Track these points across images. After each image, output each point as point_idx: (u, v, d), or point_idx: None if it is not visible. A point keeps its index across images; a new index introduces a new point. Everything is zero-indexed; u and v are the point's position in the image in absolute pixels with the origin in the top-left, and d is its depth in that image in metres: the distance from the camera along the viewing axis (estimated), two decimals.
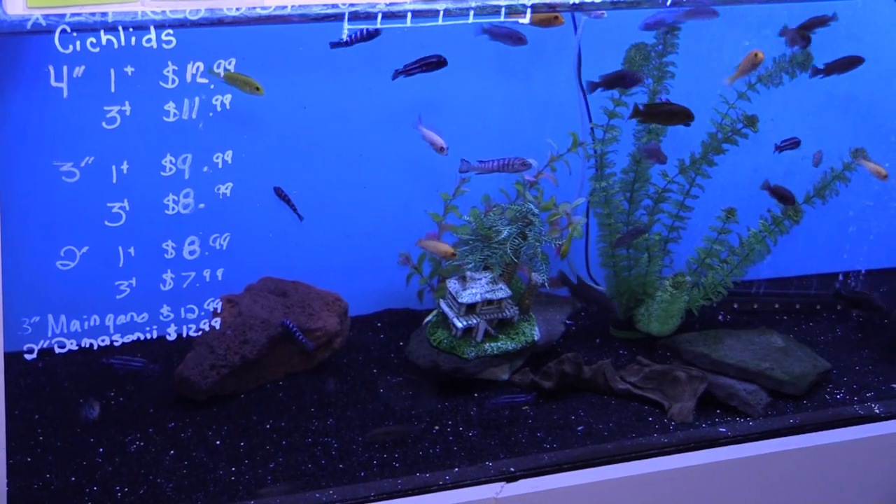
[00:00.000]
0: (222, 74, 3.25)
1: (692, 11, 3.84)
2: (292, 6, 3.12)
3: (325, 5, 3.16)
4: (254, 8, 3.07)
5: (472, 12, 3.32)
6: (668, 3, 3.56)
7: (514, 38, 3.73)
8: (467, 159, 3.86)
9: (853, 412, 4.09)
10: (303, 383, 4.06)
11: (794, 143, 4.21)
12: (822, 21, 4.09)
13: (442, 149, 3.75)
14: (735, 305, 4.71)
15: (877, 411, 4.08)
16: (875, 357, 4.47)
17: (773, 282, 4.87)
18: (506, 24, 3.58)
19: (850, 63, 4.15)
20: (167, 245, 3.45)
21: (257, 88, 3.43)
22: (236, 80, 3.37)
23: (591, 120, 4.30)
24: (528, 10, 3.38)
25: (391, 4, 3.22)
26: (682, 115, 4.06)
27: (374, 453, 3.71)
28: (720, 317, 4.67)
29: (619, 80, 3.98)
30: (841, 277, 4.90)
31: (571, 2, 3.45)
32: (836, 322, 4.72)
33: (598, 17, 3.77)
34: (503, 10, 3.35)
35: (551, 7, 3.46)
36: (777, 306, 4.77)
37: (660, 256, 4.42)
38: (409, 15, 3.27)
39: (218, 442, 3.72)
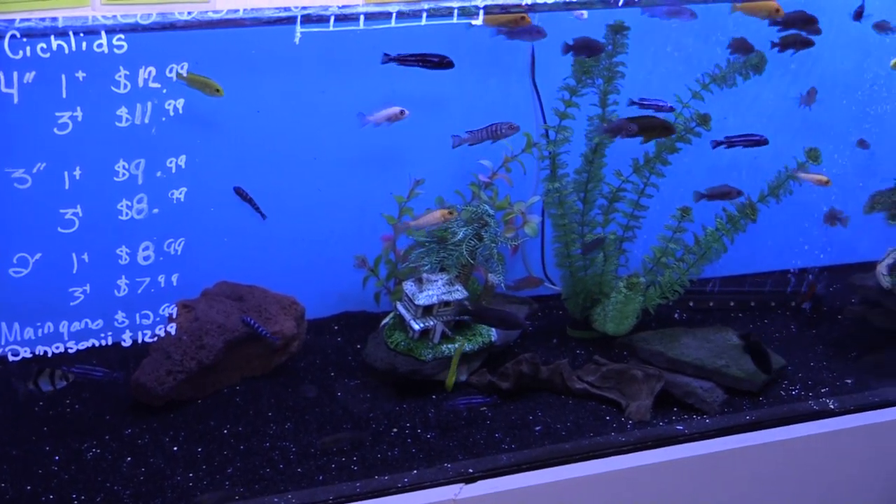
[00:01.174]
0: (185, 76, 3.24)
1: (673, 11, 3.87)
2: (244, 10, 3.12)
3: (277, 8, 3.16)
4: (205, 12, 3.06)
5: (424, 14, 3.32)
6: (620, 4, 3.57)
7: (531, 33, 3.78)
8: (457, 134, 3.86)
9: (808, 408, 4.11)
10: (260, 387, 4.04)
11: (755, 141, 4.23)
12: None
13: (402, 112, 3.72)
14: (691, 304, 4.73)
15: (831, 407, 4.11)
16: (829, 353, 4.51)
17: (729, 280, 4.89)
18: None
19: (804, 42, 4.18)
20: (121, 251, 3.43)
21: (217, 90, 3.43)
22: (197, 81, 3.37)
23: (545, 121, 4.31)
24: (481, 12, 3.38)
25: (343, 7, 3.22)
26: (661, 129, 4.08)
27: (333, 456, 3.70)
28: (676, 315, 4.69)
29: (587, 47, 3.98)
30: (794, 275, 4.93)
31: (524, 3, 3.46)
32: (790, 319, 4.76)
33: (580, 18, 3.79)
34: (455, 11, 3.36)
35: (504, 9, 3.47)
36: (732, 304, 4.80)
37: (615, 256, 4.44)
38: (362, 18, 3.26)
39: (175, 448, 3.70)
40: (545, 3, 3.49)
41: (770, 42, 4.14)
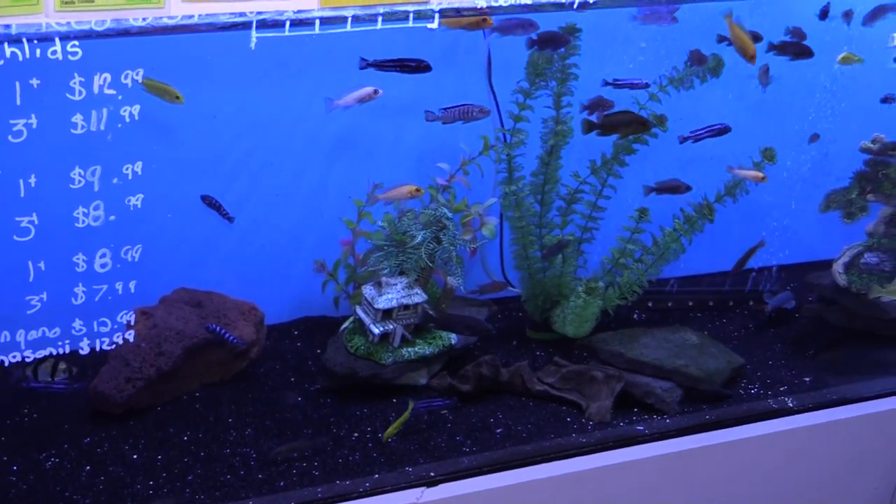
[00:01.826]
0: (145, 82, 3.24)
1: (650, 15, 3.90)
2: (199, 15, 3.11)
3: (232, 14, 3.15)
4: (160, 18, 3.05)
5: (380, 18, 3.32)
6: (575, 6, 3.58)
7: (525, 26, 3.84)
8: (431, 110, 3.86)
9: (767, 406, 4.14)
10: (220, 394, 4.03)
11: (718, 131, 4.26)
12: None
13: (375, 91, 3.71)
14: (650, 304, 4.75)
15: (790, 405, 4.14)
16: (787, 351, 4.54)
17: (687, 279, 4.92)
18: (514, 16, 3.72)
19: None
20: (78, 258, 3.42)
21: (177, 97, 3.42)
22: (156, 88, 3.36)
23: (502, 123, 4.31)
24: (437, 16, 3.39)
25: (299, 12, 3.21)
26: (637, 124, 4.10)
27: (294, 462, 3.69)
28: (635, 315, 4.71)
29: (552, 41, 3.98)
30: (753, 274, 4.96)
31: (479, 6, 3.47)
32: (748, 318, 4.78)
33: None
34: (411, 15, 3.36)
35: (458, 11, 3.47)
36: (691, 304, 4.82)
37: (574, 257, 4.45)
38: (318, 22, 3.26)
39: (135, 456, 3.68)
40: (500, 7, 3.49)
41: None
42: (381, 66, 3.67)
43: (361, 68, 3.64)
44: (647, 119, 4.13)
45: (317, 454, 3.73)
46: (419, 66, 3.71)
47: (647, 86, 4.16)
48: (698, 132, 4.23)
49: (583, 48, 4.14)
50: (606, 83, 4.10)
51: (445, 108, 3.86)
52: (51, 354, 3.52)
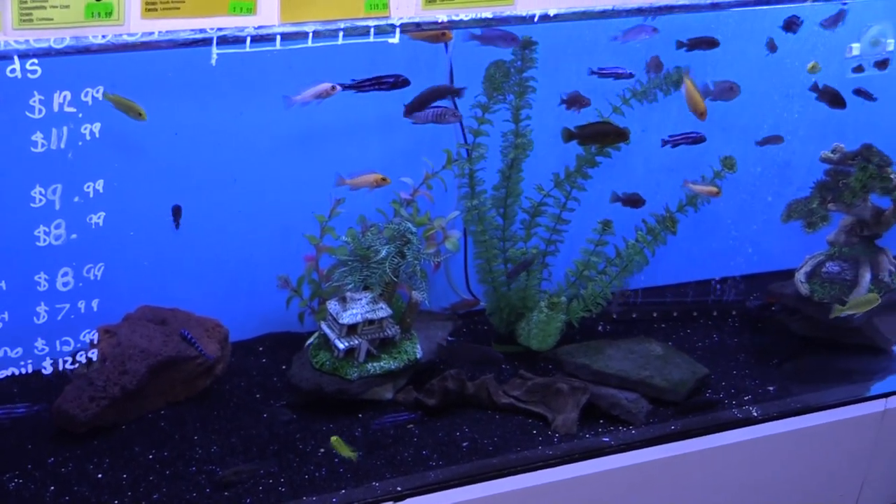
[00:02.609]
0: (112, 98, 3.23)
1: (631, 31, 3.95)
2: (160, 32, 3.10)
3: (192, 30, 3.14)
4: (120, 35, 3.04)
5: (341, 33, 3.33)
6: (536, 20, 3.59)
7: (507, 39, 3.88)
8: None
9: (732, 416, 4.15)
10: (185, 412, 4.01)
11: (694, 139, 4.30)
12: (709, 42, 4.19)
13: (333, 87, 3.69)
14: (614, 315, 4.76)
15: (754, 414, 4.16)
16: (751, 361, 4.56)
17: (651, 290, 4.93)
18: (496, 28, 3.76)
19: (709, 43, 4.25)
20: (39, 277, 3.40)
21: (140, 114, 3.42)
22: (122, 104, 3.35)
23: (465, 138, 4.32)
24: (397, 30, 3.40)
25: (260, 28, 3.21)
26: (615, 135, 4.12)
27: (260, 479, 3.68)
28: (600, 327, 4.72)
29: (500, 38, 3.99)
30: (715, 284, 4.98)
31: (440, 20, 3.47)
32: (712, 328, 4.80)
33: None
34: (372, 30, 3.36)
35: (418, 25, 3.48)
36: (655, 315, 4.83)
37: (538, 270, 4.46)
38: (279, 38, 3.26)
39: (100, 475, 3.66)
40: (461, 21, 3.50)
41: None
42: (360, 87, 3.69)
43: (343, 89, 3.65)
44: (626, 130, 4.15)
45: (284, 471, 3.72)
46: (397, 82, 3.73)
47: (631, 75, 4.19)
48: (676, 137, 4.25)
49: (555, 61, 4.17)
50: (592, 72, 4.14)
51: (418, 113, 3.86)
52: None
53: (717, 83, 4.27)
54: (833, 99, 4.36)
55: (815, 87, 4.38)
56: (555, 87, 4.23)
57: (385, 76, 3.73)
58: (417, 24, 3.47)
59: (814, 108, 4.66)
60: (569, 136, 4.16)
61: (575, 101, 4.12)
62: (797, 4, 4.14)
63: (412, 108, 3.90)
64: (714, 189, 4.35)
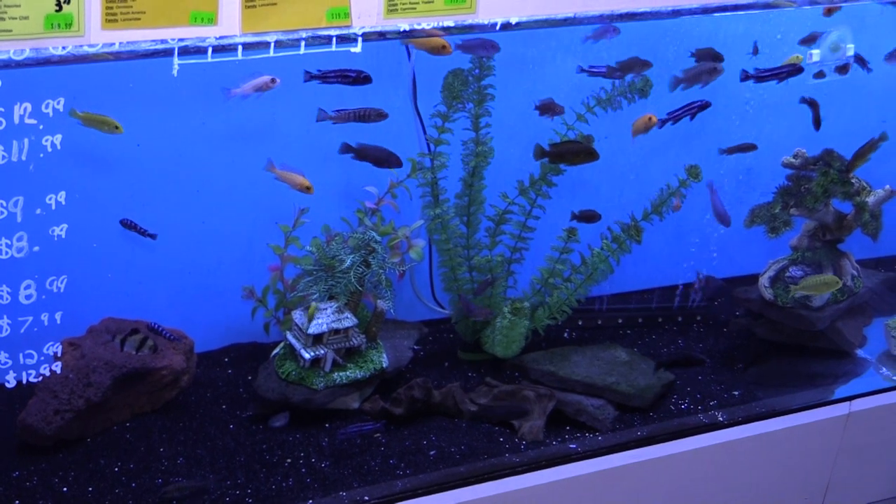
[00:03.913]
0: (81, 115, 3.23)
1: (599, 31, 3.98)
2: (120, 43, 3.09)
3: (153, 41, 3.13)
4: (81, 46, 3.03)
5: (303, 43, 3.32)
6: (498, 28, 3.60)
7: (487, 47, 3.91)
8: (323, 108, 3.84)
9: (698, 421, 4.17)
10: (150, 423, 3.99)
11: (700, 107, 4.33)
12: (643, 64, 4.21)
13: (273, 80, 3.66)
14: (580, 322, 4.77)
15: (720, 419, 4.18)
16: (716, 366, 4.57)
17: (616, 297, 4.94)
18: (477, 35, 3.80)
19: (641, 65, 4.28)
20: (2, 290, 3.38)
21: (116, 127, 3.41)
22: (93, 120, 3.34)
23: (429, 146, 4.32)
24: (359, 39, 3.40)
25: (221, 38, 3.21)
26: (586, 154, 4.13)
27: (227, 490, 3.67)
28: (566, 334, 4.73)
29: (481, 47, 4.01)
30: (679, 290, 5.00)
31: (402, 29, 3.48)
32: (677, 334, 4.82)
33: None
34: (334, 39, 3.36)
35: (381, 35, 3.48)
36: (620, 321, 4.85)
37: (503, 278, 4.46)
38: (240, 48, 3.26)
39: (65, 488, 3.64)
40: (423, 30, 3.50)
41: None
42: (325, 77, 3.68)
43: (306, 81, 3.64)
44: (595, 150, 4.16)
45: (250, 481, 3.71)
46: (359, 78, 3.73)
47: (622, 75, 4.21)
48: (676, 112, 4.28)
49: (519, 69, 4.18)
50: (582, 70, 4.16)
51: (338, 110, 3.85)
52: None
53: (694, 67, 4.26)
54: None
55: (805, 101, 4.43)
56: (519, 94, 4.25)
57: (348, 70, 3.72)
58: (380, 33, 3.47)
59: (778, 114, 4.70)
60: (540, 153, 4.18)
61: (548, 109, 4.13)
62: (755, 11, 4.15)
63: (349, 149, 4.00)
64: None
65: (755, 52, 4.41)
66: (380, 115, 3.89)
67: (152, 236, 3.87)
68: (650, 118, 4.19)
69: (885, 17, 4.84)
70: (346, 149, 4.02)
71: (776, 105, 4.78)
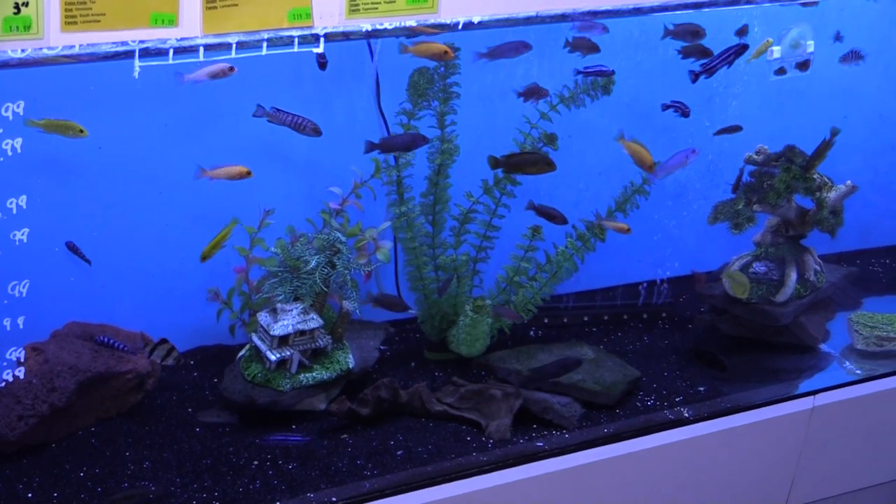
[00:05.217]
0: (41, 123, 3.21)
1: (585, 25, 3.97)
2: (80, 45, 3.07)
3: (114, 43, 3.12)
4: (40, 49, 3.01)
5: (265, 44, 3.32)
6: (460, 27, 3.61)
7: (519, 48, 3.94)
8: (262, 105, 3.80)
9: (664, 417, 4.19)
10: (116, 428, 3.97)
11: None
12: (605, 75, 4.23)
13: (230, 68, 3.61)
14: (546, 320, 4.77)
15: (686, 415, 4.19)
16: (682, 362, 4.59)
17: (581, 295, 4.96)
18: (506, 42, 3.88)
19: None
20: None
21: (81, 131, 3.39)
22: (56, 126, 3.32)
23: None
24: (321, 40, 3.39)
25: (182, 40, 3.20)
26: (543, 164, 4.13)
27: (193, 493, 3.66)
28: (532, 333, 4.73)
29: (512, 50, 4.02)
30: (644, 287, 5.02)
31: (364, 29, 3.48)
32: (643, 331, 4.83)
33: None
34: (296, 40, 3.36)
35: (346, 35, 3.48)
36: (586, 319, 4.86)
37: (469, 277, 4.47)
38: (202, 49, 3.25)
39: (30, 494, 3.62)
40: (385, 29, 3.50)
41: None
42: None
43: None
44: (552, 160, 4.16)
45: (218, 483, 3.70)
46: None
47: (613, 72, 4.23)
48: (711, 63, 4.25)
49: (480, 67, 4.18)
50: (578, 72, 4.21)
51: (278, 109, 3.83)
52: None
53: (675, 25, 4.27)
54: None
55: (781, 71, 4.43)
56: (485, 92, 4.27)
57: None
58: (344, 34, 3.47)
59: (739, 109, 4.73)
60: (495, 164, 4.19)
61: (533, 93, 4.14)
62: (718, 8, 4.17)
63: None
64: (623, 226, 4.39)
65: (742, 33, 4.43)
66: (315, 131, 3.85)
67: (87, 262, 3.86)
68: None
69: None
70: (370, 147, 4.05)
71: (740, 102, 4.79)
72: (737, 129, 4.53)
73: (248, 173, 3.90)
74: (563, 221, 4.36)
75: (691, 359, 4.51)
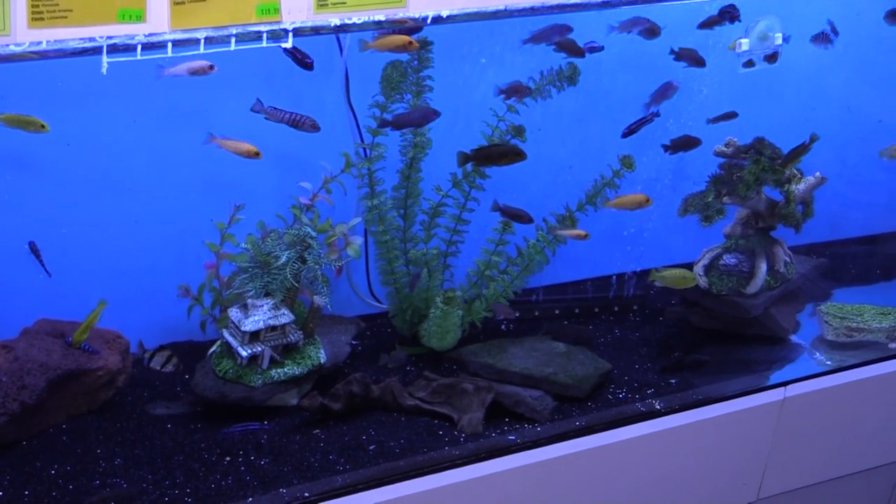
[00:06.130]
0: (2, 117, 3.20)
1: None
2: (48, 41, 3.06)
3: (82, 39, 3.11)
4: (7, 45, 3.00)
5: (233, 39, 3.31)
6: (429, 21, 3.61)
7: (562, 31, 4.03)
8: (261, 100, 3.82)
9: (635, 410, 4.20)
10: (87, 425, 3.96)
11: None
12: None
13: (210, 66, 3.56)
14: (517, 314, 4.78)
15: (657, 407, 4.20)
16: (652, 354, 4.61)
17: (552, 288, 4.97)
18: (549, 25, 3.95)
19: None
20: None
21: (42, 126, 3.38)
22: (17, 121, 3.31)
23: (362, 140, 4.32)
24: (290, 35, 3.39)
25: (150, 35, 3.19)
26: (513, 155, 4.13)
27: (165, 490, 3.65)
28: (503, 326, 4.74)
29: (555, 32, 4.08)
30: (615, 280, 5.03)
31: (333, 24, 3.47)
32: (614, 323, 4.85)
33: None
34: (265, 35, 3.35)
35: (316, 30, 3.47)
36: (557, 312, 4.87)
37: (440, 271, 4.47)
38: (170, 45, 3.24)
39: (0, 493, 3.60)
40: (354, 24, 3.50)
41: None
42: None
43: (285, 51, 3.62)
44: (522, 150, 4.16)
45: (190, 480, 3.69)
46: (303, 62, 3.74)
47: (602, 48, 4.28)
48: (631, 126, 4.37)
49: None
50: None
51: (275, 108, 3.83)
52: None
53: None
54: (693, 59, 4.39)
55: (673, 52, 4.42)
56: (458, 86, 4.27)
57: (298, 51, 3.73)
58: (314, 28, 3.47)
59: (711, 103, 4.74)
60: (464, 159, 4.18)
61: (515, 91, 4.14)
62: (686, 1, 4.19)
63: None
64: (582, 233, 4.40)
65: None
66: (313, 127, 3.87)
67: (47, 272, 3.85)
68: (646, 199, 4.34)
69: None
70: (383, 124, 4.10)
71: (707, 97, 4.81)
72: (732, 115, 4.55)
73: (257, 153, 3.89)
74: (529, 220, 4.38)
75: (674, 369, 4.51)
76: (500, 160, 4.19)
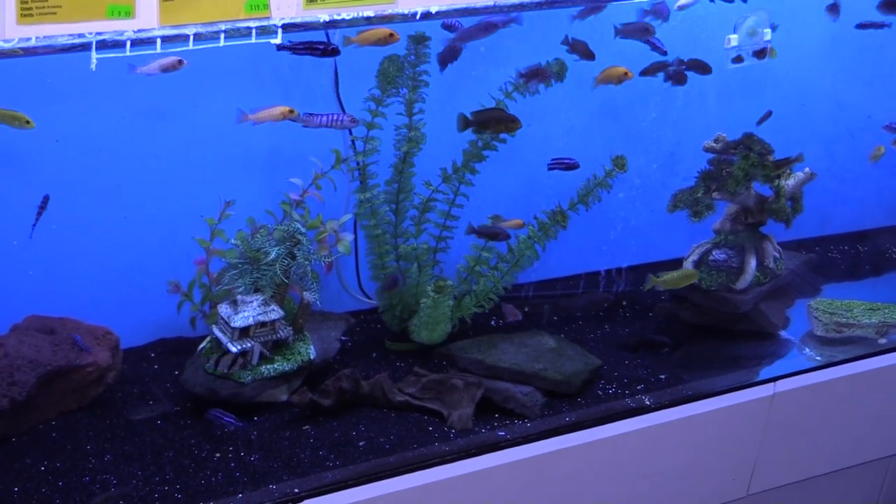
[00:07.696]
0: None
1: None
2: (37, 38, 3.06)
3: (71, 35, 3.11)
4: None
5: (223, 35, 3.31)
6: (418, 17, 3.61)
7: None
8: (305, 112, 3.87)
9: (625, 406, 4.20)
10: (77, 421, 3.96)
11: (568, 165, 4.36)
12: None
13: (179, 61, 3.50)
14: (520, 316, 4.77)
15: (647, 403, 4.21)
16: (642, 350, 4.61)
17: (542, 284, 4.97)
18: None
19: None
20: None
21: (27, 122, 3.37)
22: (3, 116, 3.30)
23: (352, 133, 4.32)
24: (279, 31, 3.39)
25: (139, 31, 3.19)
26: (509, 121, 4.14)
27: (155, 486, 3.65)
28: (493, 322, 4.74)
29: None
30: (603, 275, 5.04)
31: (322, 20, 3.47)
32: (604, 319, 4.84)
33: None
34: (254, 31, 3.35)
35: (304, 27, 3.47)
36: (547, 307, 4.87)
37: (429, 266, 4.47)
38: (159, 41, 3.24)
39: None
40: (343, 20, 3.50)
41: None
42: (295, 49, 3.67)
43: (278, 49, 3.59)
44: (517, 117, 4.17)
45: (179, 476, 3.69)
46: (327, 50, 3.75)
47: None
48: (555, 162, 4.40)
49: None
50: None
51: (310, 113, 3.84)
52: None
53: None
54: (584, 52, 4.38)
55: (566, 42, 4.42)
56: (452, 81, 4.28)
57: (316, 42, 3.74)
58: (301, 25, 3.47)
59: (698, 97, 4.75)
60: (465, 123, 4.18)
61: (536, 74, 4.15)
62: None
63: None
64: (519, 222, 4.44)
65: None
66: (353, 122, 3.96)
67: (31, 230, 3.84)
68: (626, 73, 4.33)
69: None
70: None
71: (697, 91, 4.82)
72: (768, 115, 4.59)
73: (292, 111, 3.88)
74: (506, 237, 4.43)
75: (634, 348, 4.56)
76: (497, 126, 4.18)
